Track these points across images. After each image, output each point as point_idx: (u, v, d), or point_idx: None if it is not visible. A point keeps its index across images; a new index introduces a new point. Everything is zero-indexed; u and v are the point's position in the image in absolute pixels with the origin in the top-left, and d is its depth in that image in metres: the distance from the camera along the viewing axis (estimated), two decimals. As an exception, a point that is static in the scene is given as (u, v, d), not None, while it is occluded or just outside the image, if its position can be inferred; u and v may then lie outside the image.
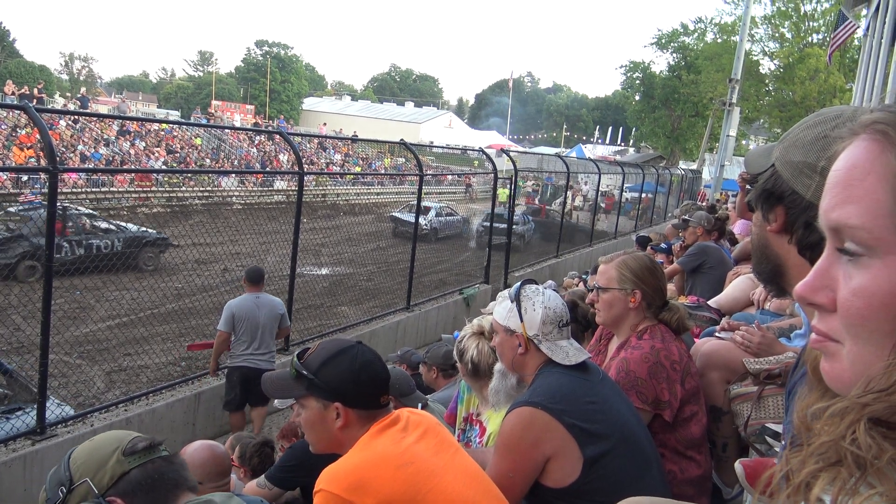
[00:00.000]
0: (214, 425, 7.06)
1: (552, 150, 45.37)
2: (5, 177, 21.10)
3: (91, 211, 15.03)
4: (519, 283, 2.33)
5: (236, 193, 24.89)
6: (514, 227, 14.53)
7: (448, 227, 20.55)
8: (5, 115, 25.99)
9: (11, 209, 13.55)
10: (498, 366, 2.40)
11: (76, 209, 14.64)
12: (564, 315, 2.24)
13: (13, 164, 22.82)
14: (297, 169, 8.28)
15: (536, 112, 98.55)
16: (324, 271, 12.58)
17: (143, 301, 9.23)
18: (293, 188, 9.02)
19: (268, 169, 33.64)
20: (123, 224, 14.44)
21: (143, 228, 14.26)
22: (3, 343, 8.15)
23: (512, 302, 2.25)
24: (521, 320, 2.20)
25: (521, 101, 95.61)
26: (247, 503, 1.55)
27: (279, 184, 26.53)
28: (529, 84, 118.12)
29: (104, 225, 14.01)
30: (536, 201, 25.79)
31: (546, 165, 24.43)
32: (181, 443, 3.18)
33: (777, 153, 1.19)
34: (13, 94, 31.81)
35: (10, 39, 63.57)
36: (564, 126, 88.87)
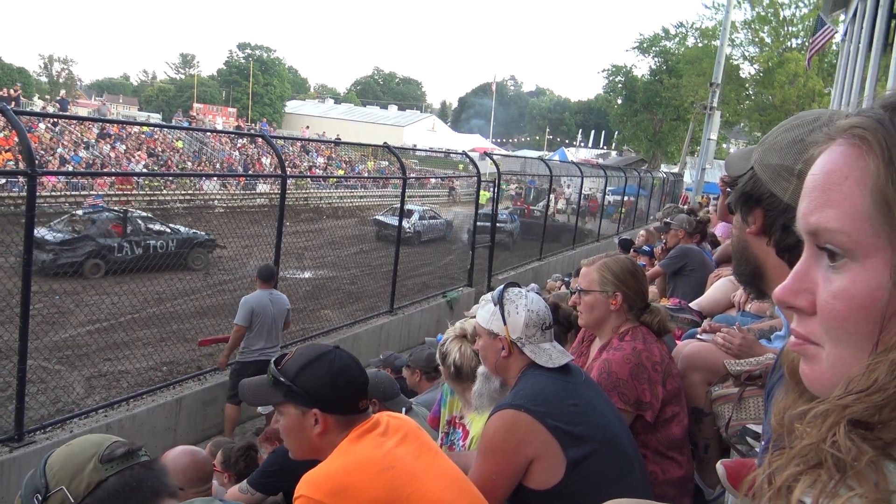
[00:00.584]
0: (196, 430, 6.99)
1: (535, 154, 45.55)
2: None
3: (147, 214, 15.80)
4: (502, 287, 2.33)
5: (218, 197, 24.75)
6: (501, 225, 14.55)
7: (431, 230, 20.56)
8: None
9: (79, 212, 14.67)
10: (481, 369, 2.40)
11: (133, 212, 15.52)
12: (547, 318, 2.24)
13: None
14: (279, 172, 8.24)
15: (519, 115, 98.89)
16: (306, 275, 12.52)
17: (123, 305, 9.13)
18: (276, 191, 8.99)
19: (250, 172, 33.45)
20: (175, 226, 15.19)
21: (193, 231, 14.96)
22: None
23: (495, 305, 2.26)
24: (505, 323, 2.20)
25: (505, 104, 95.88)
26: None
27: (262, 187, 26.40)
28: (512, 87, 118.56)
29: (158, 227, 14.79)
30: (522, 202, 25.88)
31: (529, 168, 24.53)
32: (162, 448, 3.16)
33: (756, 156, 1.20)
34: (-7, 97, 31.43)
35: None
36: (547, 129, 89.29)
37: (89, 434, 1.54)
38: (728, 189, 1.32)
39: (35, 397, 6.49)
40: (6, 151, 24.60)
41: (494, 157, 14.65)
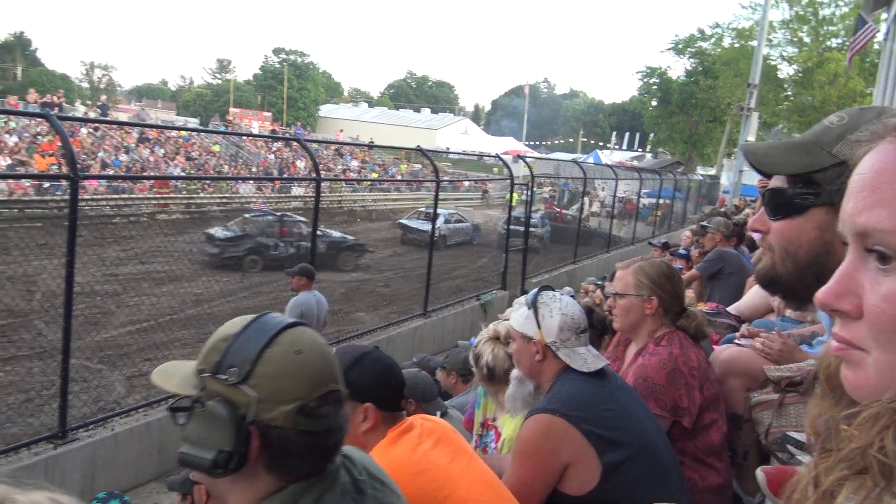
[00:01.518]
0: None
1: (569, 156, 45.30)
2: (27, 184, 21.42)
3: (303, 219, 17.06)
4: (536, 290, 2.32)
5: (254, 199, 25.13)
6: (533, 229, 14.55)
7: (457, 233, 20.50)
8: (28, 122, 26.41)
9: (247, 215, 16.78)
10: (515, 372, 2.40)
11: (291, 216, 17.14)
12: (582, 321, 2.23)
13: (35, 171, 23.22)
14: (313, 175, 8.33)
15: (553, 118, 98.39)
16: (341, 277, 12.63)
17: (162, 306, 9.30)
18: (311, 194, 9.12)
19: (285, 175, 33.82)
20: (328, 230, 16.34)
21: (344, 235, 16.09)
22: (26, 347, 8.27)
23: (529, 308, 2.24)
24: (539, 327, 2.19)
25: (538, 106, 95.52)
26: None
27: (297, 190, 26.71)
28: (546, 90, 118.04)
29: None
30: (556, 206, 25.75)
31: (563, 171, 24.41)
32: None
33: (848, 151, 1.10)
34: (36, 102, 32.32)
35: (32, 49, 64.67)
36: (581, 132, 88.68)
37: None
38: (795, 188, 1.17)
39: (78, 396, 6.64)
40: (50, 156, 25.24)
41: (527, 159, 14.63)
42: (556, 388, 2.12)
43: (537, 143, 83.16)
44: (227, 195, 25.86)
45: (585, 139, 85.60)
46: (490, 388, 2.93)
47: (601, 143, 73.39)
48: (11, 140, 26.06)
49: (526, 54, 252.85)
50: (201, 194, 25.18)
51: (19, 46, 62.77)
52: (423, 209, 21.01)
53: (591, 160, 38.81)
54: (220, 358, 1.15)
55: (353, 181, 33.17)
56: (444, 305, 11.20)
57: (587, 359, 2.15)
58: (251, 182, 27.88)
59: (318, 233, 15.61)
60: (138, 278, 11.38)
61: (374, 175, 39.78)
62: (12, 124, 27.00)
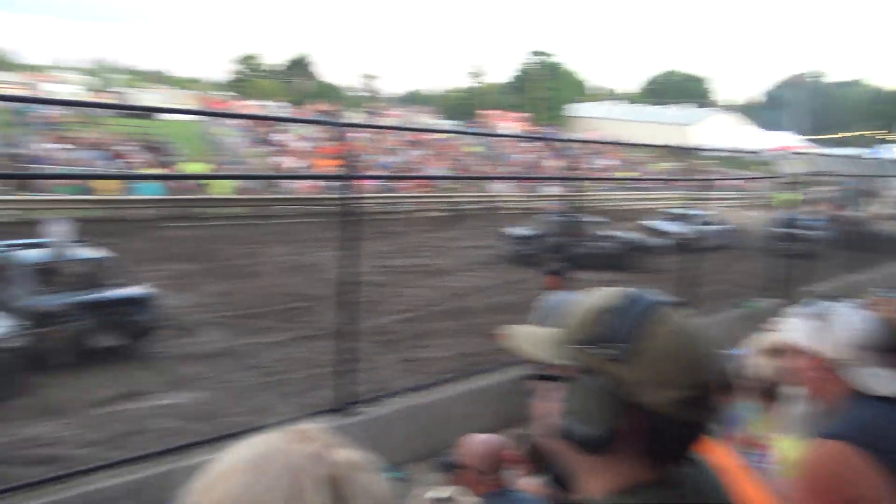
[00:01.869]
0: (496, 419, 7.22)
1: (853, 151, 40.32)
2: (318, 184, 24.51)
3: (603, 219, 17.83)
4: (821, 300, 2.12)
5: (510, 198, 25.94)
6: (808, 232, 13.24)
7: (714, 236, 19.13)
8: (313, 128, 30.25)
9: (542, 216, 18.03)
10: (792, 389, 2.23)
11: (587, 218, 18.83)
12: (879, 338, 1.99)
13: (319, 172, 26.50)
14: (567, 175, 8.43)
15: (833, 109, 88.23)
16: (601, 277, 12.55)
17: (426, 298, 9.95)
18: (564, 193, 9.31)
19: (539, 175, 34.45)
20: (617, 232, 17.31)
21: (635, 237, 17.00)
22: (314, 328, 9.38)
23: (812, 320, 2.06)
24: (824, 342, 1.99)
25: (814, 97, 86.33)
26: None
27: (554, 189, 27.16)
28: (822, 79, 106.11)
29: (606, 232, 16.88)
30: (836, 207, 23.09)
31: (844, 168, 21.79)
32: (460, 434, 3.43)
33: None
34: (326, 111, 36.83)
35: (310, 63, 74.02)
36: (868, 124, 78.34)
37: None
38: None
39: (358, 375, 7.38)
40: (331, 158, 28.55)
41: (801, 156, 13.32)
42: (848, 413, 1.91)
43: (816, 137, 75.11)
44: (482, 194, 27.04)
45: (878, 132, 75.48)
46: (760, 403, 2.75)
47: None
48: (302, 144, 30.14)
49: (799, 41, 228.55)
50: (460, 193, 26.59)
51: (303, 62, 72.26)
52: (672, 210, 20.30)
53: (880, 155, 34.14)
54: (602, 331, 1.04)
55: (609, 180, 32.76)
56: (704, 312, 10.60)
57: (884, 382, 1.91)
58: (507, 181, 28.89)
59: (612, 234, 16.26)
60: (400, 272, 12.30)
61: (633, 174, 38.87)
62: (302, 131, 31.22)
